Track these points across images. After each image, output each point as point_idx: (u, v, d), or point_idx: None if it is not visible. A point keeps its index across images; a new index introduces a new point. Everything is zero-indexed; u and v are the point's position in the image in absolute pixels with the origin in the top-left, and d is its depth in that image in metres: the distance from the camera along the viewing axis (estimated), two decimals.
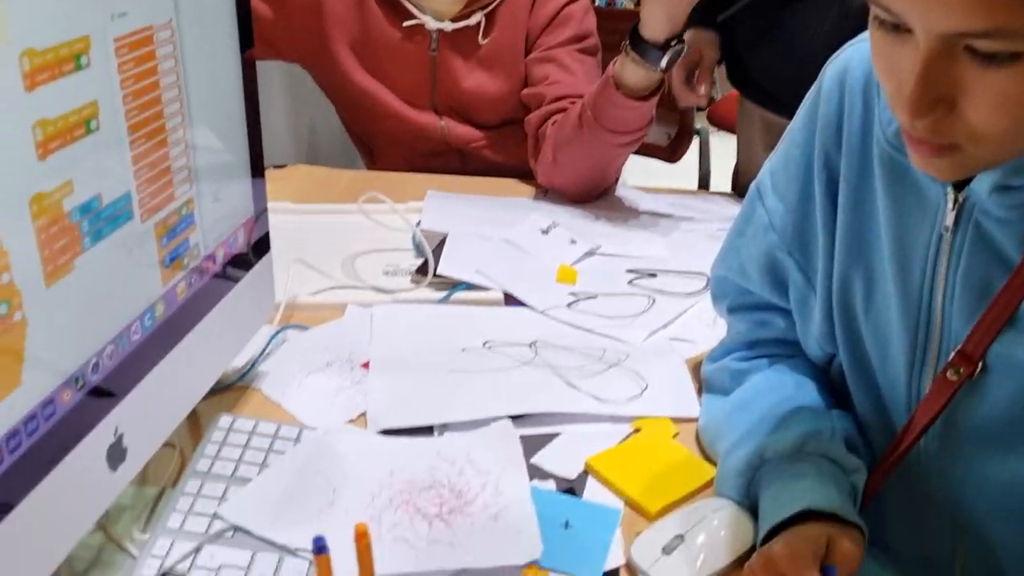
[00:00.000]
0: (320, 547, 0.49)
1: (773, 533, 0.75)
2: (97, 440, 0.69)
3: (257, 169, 0.91)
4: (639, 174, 1.62)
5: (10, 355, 0.59)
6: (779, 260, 0.88)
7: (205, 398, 0.96)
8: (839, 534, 0.74)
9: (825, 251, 0.83)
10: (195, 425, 0.94)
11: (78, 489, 0.68)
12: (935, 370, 0.76)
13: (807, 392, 0.87)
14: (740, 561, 0.78)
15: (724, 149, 2.15)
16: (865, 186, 0.79)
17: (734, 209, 1.44)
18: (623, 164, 1.46)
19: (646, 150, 1.97)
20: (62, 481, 0.65)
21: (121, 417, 0.72)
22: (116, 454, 0.72)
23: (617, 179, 1.51)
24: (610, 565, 0.78)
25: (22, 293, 0.59)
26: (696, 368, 1.02)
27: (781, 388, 0.88)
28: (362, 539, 0.50)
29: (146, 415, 0.76)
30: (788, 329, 0.92)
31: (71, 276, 0.64)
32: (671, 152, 2.04)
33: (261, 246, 0.95)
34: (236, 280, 0.90)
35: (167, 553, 0.75)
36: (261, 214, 0.95)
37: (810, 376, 0.89)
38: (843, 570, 0.72)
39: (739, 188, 1.57)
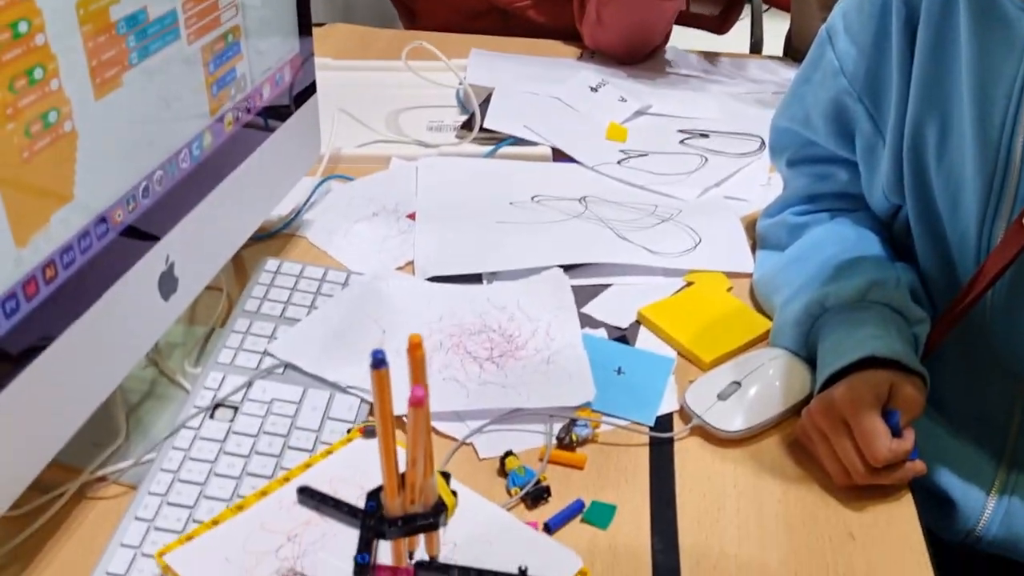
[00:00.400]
0: (379, 360, 0.48)
1: (832, 381, 0.73)
2: (149, 266, 0.68)
3: (303, 9, 0.88)
4: (687, 46, 1.56)
5: (62, 166, 0.58)
6: (847, 107, 0.84)
7: (250, 245, 0.95)
8: (902, 380, 0.72)
9: (898, 96, 0.79)
10: (241, 270, 0.93)
11: (132, 313, 0.67)
12: (1009, 219, 0.73)
13: (870, 244, 0.84)
14: (795, 409, 0.76)
15: (775, 27, 2.06)
16: (947, 24, 0.74)
17: (788, 73, 1.39)
18: (670, 22, 1.40)
19: (694, 21, 1.89)
20: (116, 303, 0.65)
21: (172, 245, 0.71)
22: (168, 283, 0.71)
23: (666, 41, 1.45)
24: (663, 411, 0.78)
25: (71, 102, 0.57)
26: (750, 226, 0.99)
27: (842, 240, 0.85)
28: (416, 350, 0.48)
29: (196, 247, 0.74)
30: (851, 182, 0.88)
31: (120, 91, 0.62)
32: (720, 23, 1.96)
33: (307, 90, 0.93)
34: (283, 120, 0.88)
35: (219, 385, 0.75)
36: (308, 58, 0.92)
37: (873, 230, 0.86)
38: (906, 416, 0.71)
39: (792, 53, 1.51)
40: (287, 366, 0.78)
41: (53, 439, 0.62)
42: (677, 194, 1.05)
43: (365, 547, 0.54)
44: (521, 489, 0.69)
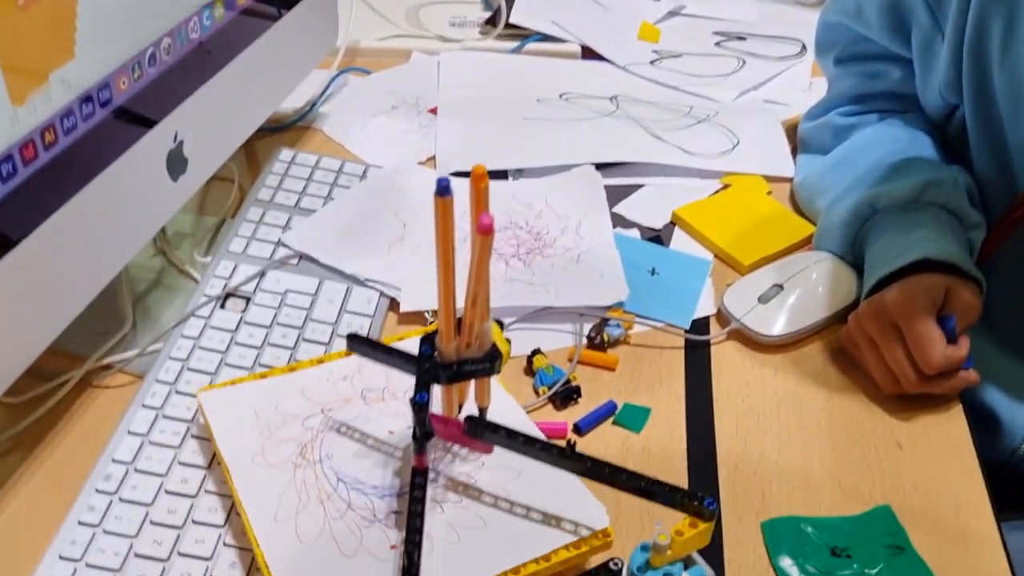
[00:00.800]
0: (444, 188, 0.46)
1: (881, 285, 0.69)
2: (157, 141, 0.64)
3: None
4: None
5: (62, 20, 0.53)
6: None
7: (264, 136, 0.90)
8: (958, 285, 0.67)
9: None
10: (254, 161, 0.89)
11: (139, 191, 0.63)
12: None
13: (923, 146, 0.79)
14: (840, 315, 0.72)
15: None
16: None
17: None
18: None
19: None
20: (122, 178, 0.60)
21: (180, 122, 0.66)
22: (176, 161, 0.66)
23: None
24: (700, 314, 0.73)
25: None
26: (791, 131, 0.94)
27: (893, 141, 0.80)
28: (480, 180, 0.47)
29: (206, 127, 0.70)
30: (904, 81, 0.83)
31: None
32: None
33: None
34: (298, 1, 0.82)
35: (231, 275, 0.71)
36: None
37: (926, 132, 0.81)
38: (963, 322, 0.66)
39: None
40: (302, 257, 0.74)
41: (53, 321, 0.58)
42: (713, 96, 0.99)
43: (423, 388, 0.52)
44: (549, 388, 0.65)
